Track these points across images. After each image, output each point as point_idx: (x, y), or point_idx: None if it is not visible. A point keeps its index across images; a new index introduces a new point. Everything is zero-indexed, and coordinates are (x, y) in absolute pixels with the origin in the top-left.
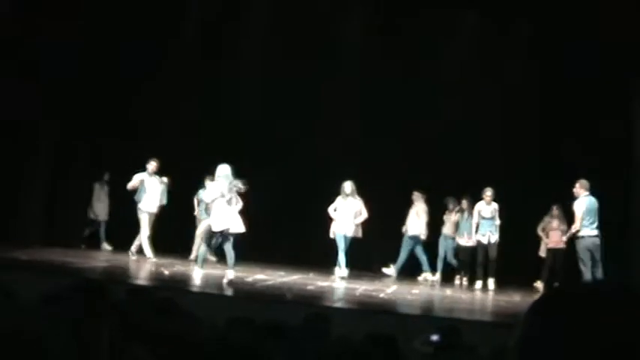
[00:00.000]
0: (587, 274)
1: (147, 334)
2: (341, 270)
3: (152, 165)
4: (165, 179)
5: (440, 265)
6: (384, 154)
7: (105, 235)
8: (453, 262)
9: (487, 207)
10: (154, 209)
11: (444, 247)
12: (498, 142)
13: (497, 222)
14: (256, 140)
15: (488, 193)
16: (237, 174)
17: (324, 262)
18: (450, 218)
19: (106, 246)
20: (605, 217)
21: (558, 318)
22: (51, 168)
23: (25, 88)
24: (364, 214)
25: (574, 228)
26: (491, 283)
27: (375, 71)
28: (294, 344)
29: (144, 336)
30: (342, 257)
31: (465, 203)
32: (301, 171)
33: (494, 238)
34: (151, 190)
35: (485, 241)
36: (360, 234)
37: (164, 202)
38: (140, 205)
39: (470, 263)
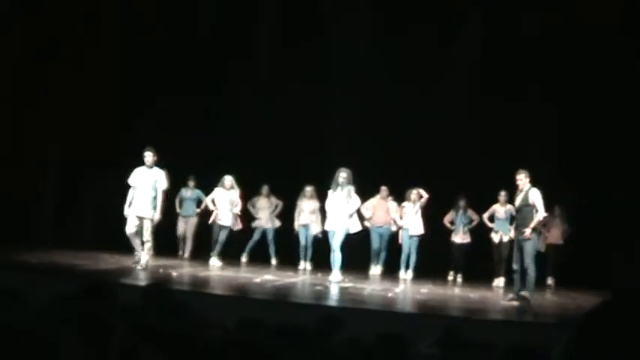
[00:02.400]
0: (532, 272)
1: (157, 336)
2: (333, 274)
3: (146, 156)
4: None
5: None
6: (384, 154)
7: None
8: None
9: (501, 208)
10: (138, 212)
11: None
12: (501, 143)
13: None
14: (262, 141)
15: (502, 194)
16: (244, 177)
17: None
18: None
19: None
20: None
21: (606, 335)
22: (61, 170)
23: (32, 92)
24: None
25: (542, 216)
26: (500, 281)
27: (374, 72)
28: (304, 345)
29: (154, 337)
30: (338, 257)
31: (461, 202)
32: (307, 172)
33: (507, 238)
34: (138, 187)
35: (497, 240)
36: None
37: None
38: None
39: (463, 260)
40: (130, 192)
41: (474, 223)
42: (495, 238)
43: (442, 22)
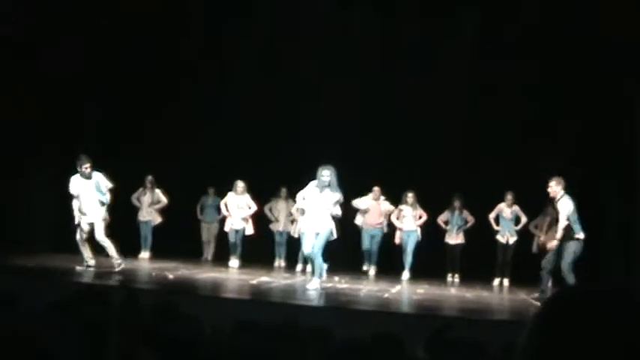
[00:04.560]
0: (570, 279)
1: (154, 338)
2: (312, 281)
3: (82, 167)
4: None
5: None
6: (383, 154)
7: (145, 241)
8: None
9: (507, 208)
10: (89, 219)
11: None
12: (499, 143)
13: (524, 219)
14: (259, 143)
15: (509, 196)
16: (236, 176)
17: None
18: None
19: (143, 254)
20: (606, 219)
21: (567, 321)
22: (59, 173)
23: (28, 92)
24: (338, 211)
25: (562, 227)
26: (505, 282)
27: (374, 71)
28: (300, 346)
29: (151, 340)
30: (318, 263)
31: (457, 202)
32: (306, 173)
33: (513, 239)
34: (82, 196)
35: (503, 241)
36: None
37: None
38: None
39: (459, 261)
40: (75, 202)
41: (469, 224)
42: (502, 239)
43: (440, 18)
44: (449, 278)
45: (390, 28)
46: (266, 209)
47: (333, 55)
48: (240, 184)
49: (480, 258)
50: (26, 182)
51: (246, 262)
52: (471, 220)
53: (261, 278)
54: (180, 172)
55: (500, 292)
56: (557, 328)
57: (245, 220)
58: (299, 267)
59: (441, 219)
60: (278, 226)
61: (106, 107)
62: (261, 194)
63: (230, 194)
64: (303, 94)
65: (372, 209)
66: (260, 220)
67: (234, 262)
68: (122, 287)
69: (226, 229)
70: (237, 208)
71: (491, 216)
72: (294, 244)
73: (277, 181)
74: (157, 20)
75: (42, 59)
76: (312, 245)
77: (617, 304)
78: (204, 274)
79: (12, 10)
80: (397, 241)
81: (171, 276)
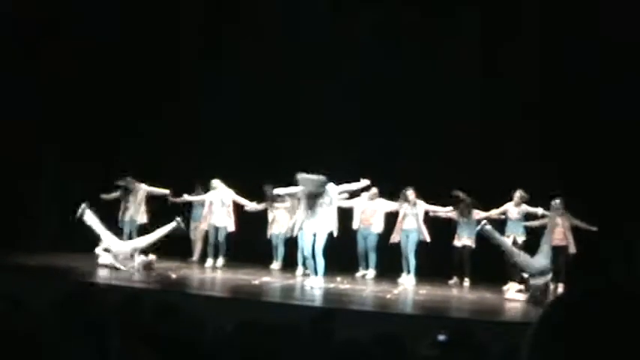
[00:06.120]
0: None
1: (154, 338)
2: (316, 279)
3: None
4: None
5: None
6: (383, 154)
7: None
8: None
9: (514, 208)
10: None
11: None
12: (500, 142)
13: (539, 211)
14: (258, 142)
15: (517, 194)
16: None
17: (330, 263)
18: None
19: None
20: (606, 219)
21: (572, 323)
22: (60, 172)
23: (33, 89)
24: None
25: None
26: (513, 286)
27: (373, 71)
28: (302, 346)
29: (150, 340)
30: (320, 262)
31: (463, 203)
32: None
33: (520, 239)
34: None
35: (510, 242)
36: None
37: None
38: None
39: (468, 264)
40: None
41: (479, 215)
42: (507, 241)
43: (440, 18)
44: (452, 280)
45: (390, 28)
46: (268, 207)
47: (333, 55)
48: (215, 181)
49: (488, 261)
50: (26, 182)
51: (246, 262)
52: (481, 215)
53: (262, 278)
54: (179, 171)
55: (496, 294)
56: (561, 330)
57: (228, 217)
58: (299, 271)
59: (449, 212)
60: (276, 228)
61: (105, 106)
62: (261, 194)
63: (212, 192)
64: (303, 94)
65: (367, 209)
66: (260, 220)
67: (219, 260)
68: (122, 287)
69: (204, 226)
70: (222, 206)
71: (494, 212)
72: (293, 246)
73: (277, 181)
74: (156, 20)
75: (43, 59)
76: (311, 245)
77: (621, 306)
78: (205, 274)
79: (12, 10)
80: (395, 239)
81: (174, 275)
